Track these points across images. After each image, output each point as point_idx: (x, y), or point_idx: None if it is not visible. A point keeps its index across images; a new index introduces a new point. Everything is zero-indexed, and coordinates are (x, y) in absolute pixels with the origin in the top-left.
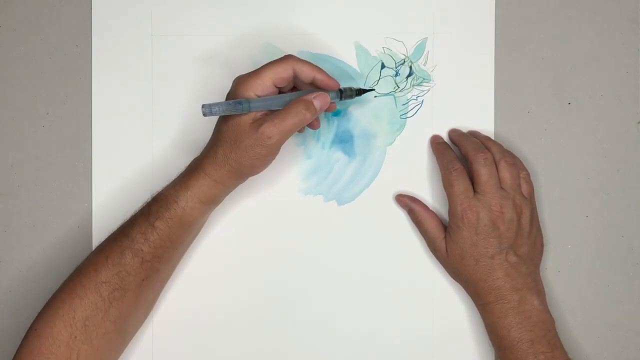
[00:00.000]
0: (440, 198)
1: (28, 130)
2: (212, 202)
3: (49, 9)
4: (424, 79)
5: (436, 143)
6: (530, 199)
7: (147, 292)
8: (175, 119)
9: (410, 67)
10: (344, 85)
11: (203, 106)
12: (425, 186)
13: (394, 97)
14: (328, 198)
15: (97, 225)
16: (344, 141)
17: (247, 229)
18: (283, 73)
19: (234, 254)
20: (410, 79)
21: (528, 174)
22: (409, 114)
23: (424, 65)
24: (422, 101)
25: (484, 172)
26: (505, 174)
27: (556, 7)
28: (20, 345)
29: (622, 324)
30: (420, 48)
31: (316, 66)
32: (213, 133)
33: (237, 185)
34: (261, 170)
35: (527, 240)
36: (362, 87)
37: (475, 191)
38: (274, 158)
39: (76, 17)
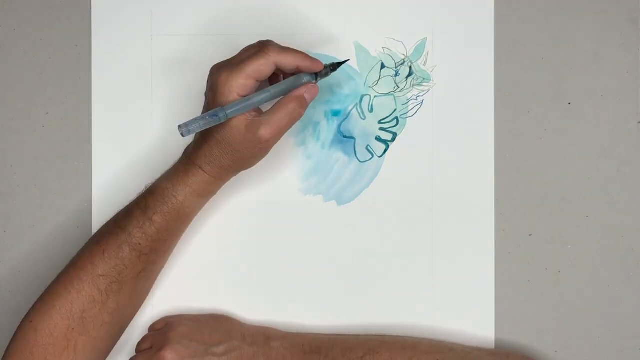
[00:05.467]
0: (441, 199)
1: (28, 130)
2: (209, 194)
3: (49, 9)
4: (423, 79)
5: None
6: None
7: (144, 282)
8: (175, 119)
9: (410, 67)
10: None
11: (179, 127)
12: (425, 186)
13: (394, 97)
14: (328, 198)
15: (97, 225)
16: (344, 141)
17: (246, 229)
18: (265, 70)
19: (233, 254)
20: (410, 79)
21: None
22: (409, 114)
23: (424, 65)
24: (422, 101)
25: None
26: None
27: (556, 7)
28: (15, 337)
29: (622, 324)
30: (420, 48)
31: (297, 52)
32: (202, 133)
33: (233, 177)
34: (256, 164)
35: None
36: (339, 61)
37: None
38: (267, 153)
39: (76, 17)
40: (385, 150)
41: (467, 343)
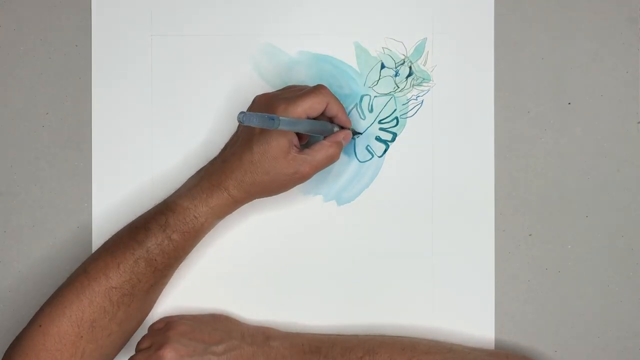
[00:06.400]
0: (441, 198)
1: (28, 130)
2: (226, 215)
3: (49, 9)
4: (423, 79)
5: None
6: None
7: (153, 295)
8: (175, 119)
9: (410, 67)
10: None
11: (241, 112)
12: (425, 186)
13: (394, 97)
14: (328, 198)
15: (97, 225)
16: None
17: (246, 229)
18: (319, 108)
19: (233, 254)
20: (410, 79)
21: None
22: (409, 114)
23: (424, 65)
24: (422, 101)
25: None
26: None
27: (556, 7)
28: (21, 339)
29: (622, 324)
30: (420, 48)
31: (341, 104)
32: (237, 155)
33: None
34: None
35: None
36: (356, 130)
37: None
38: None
39: (76, 17)
40: (385, 150)
41: (466, 343)
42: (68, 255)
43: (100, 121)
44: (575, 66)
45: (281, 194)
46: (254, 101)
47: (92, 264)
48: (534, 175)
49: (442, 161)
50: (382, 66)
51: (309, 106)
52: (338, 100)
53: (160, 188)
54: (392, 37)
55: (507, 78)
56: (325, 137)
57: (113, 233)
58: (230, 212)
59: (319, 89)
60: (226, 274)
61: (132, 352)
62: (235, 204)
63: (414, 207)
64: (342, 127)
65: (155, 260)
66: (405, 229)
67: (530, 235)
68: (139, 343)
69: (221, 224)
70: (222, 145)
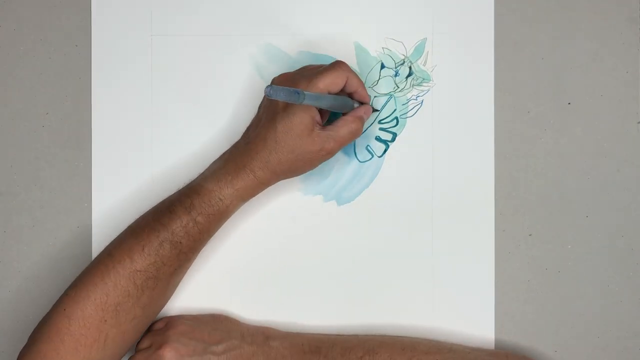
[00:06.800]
0: (441, 198)
1: (28, 130)
2: (251, 197)
3: (49, 9)
4: (423, 79)
5: None
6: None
7: (177, 278)
8: (175, 119)
9: (410, 68)
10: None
11: (268, 86)
12: (425, 186)
13: (394, 97)
14: (328, 198)
15: (97, 225)
16: None
17: (246, 229)
18: (340, 83)
19: (233, 254)
20: (409, 79)
21: None
22: (409, 114)
23: (424, 65)
24: (422, 101)
25: None
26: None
27: (556, 7)
28: (45, 323)
29: (622, 324)
30: (419, 48)
31: (361, 80)
32: (261, 136)
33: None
34: (304, 173)
35: None
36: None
37: None
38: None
39: (76, 17)
40: (385, 150)
41: (466, 343)
42: (68, 255)
43: (100, 121)
44: (575, 66)
45: (281, 194)
46: (273, 81)
47: (117, 247)
48: (534, 175)
49: (442, 161)
50: (382, 66)
51: (330, 81)
52: (357, 75)
53: (160, 188)
54: (392, 37)
55: (507, 78)
56: (344, 114)
57: (113, 233)
58: (255, 194)
59: (338, 64)
60: (226, 274)
61: (132, 353)
62: (261, 185)
63: (414, 207)
64: (361, 103)
65: (180, 243)
66: (405, 229)
67: (530, 235)
68: (138, 343)
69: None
70: (222, 145)
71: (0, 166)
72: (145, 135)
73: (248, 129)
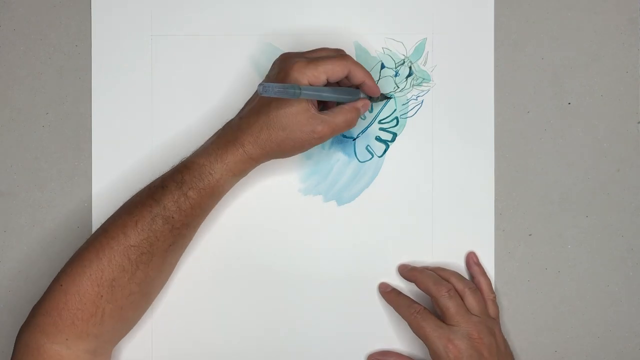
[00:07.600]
0: (441, 199)
1: (28, 130)
2: (243, 174)
3: (49, 9)
4: (423, 79)
5: (386, 292)
6: (496, 319)
7: (173, 256)
8: (175, 119)
9: (410, 68)
10: None
11: (261, 84)
12: (425, 186)
13: (394, 97)
14: (328, 198)
15: (97, 225)
16: (344, 141)
17: (246, 229)
18: (339, 73)
19: (233, 253)
20: (410, 79)
21: (495, 296)
22: (409, 114)
23: (424, 65)
24: (422, 101)
25: (451, 305)
26: (472, 301)
27: (556, 7)
28: (44, 298)
29: (622, 324)
30: (419, 48)
31: (367, 71)
32: (254, 111)
33: (265, 162)
34: (293, 156)
35: (505, 357)
36: (388, 94)
37: (447, 324)
38: (308, 149)
39: (76, 17)
40: (385, 150)
41: None
42: (68, 255)
43: (100, 121)
44: (575, 66)
45: (281, 194)
46: (278, 57)
47: (112, 224)
48: (534, 175)
49: (442, 161)
50: (382, 66)
51: (330, 69)
52: (364, 68)
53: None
54: (392, 37)
55: (507, 78)
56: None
57: None
58: (247, 171)
59: (343, 55)
60: (225, 273)
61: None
62: (250, 160)
63: (414, 207)
64: (369, 96)
65: (173, 217)
66: (405, 228)
67: (530, 235)
68: None
69: (222, 223)
70: None
71: (0, 166)
72: (145, 135)
73: (244, 107)
